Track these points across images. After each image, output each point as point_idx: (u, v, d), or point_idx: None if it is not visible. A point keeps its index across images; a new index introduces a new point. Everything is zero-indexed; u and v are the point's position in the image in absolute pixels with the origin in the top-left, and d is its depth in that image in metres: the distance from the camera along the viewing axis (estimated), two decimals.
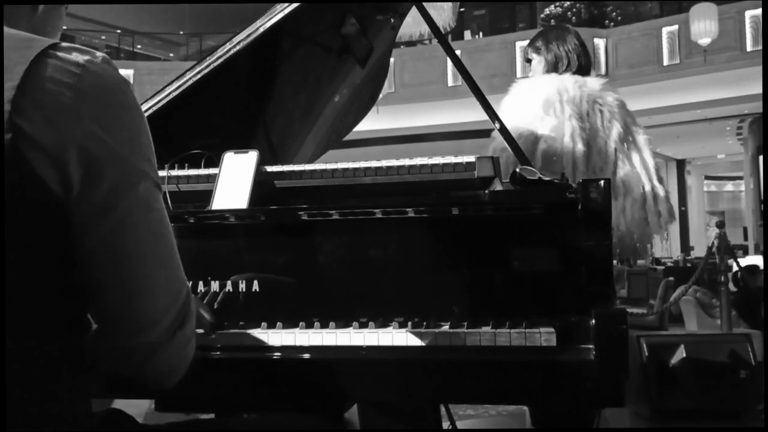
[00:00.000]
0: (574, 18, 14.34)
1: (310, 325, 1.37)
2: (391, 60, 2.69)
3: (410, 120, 13.82)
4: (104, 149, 0.88)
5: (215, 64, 1.76)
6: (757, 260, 8.95)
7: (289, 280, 1.47)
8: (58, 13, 1.06)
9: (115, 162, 0.89)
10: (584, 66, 2.62)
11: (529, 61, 2.73)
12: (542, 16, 14.89)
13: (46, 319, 0.89)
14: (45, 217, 0.86)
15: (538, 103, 2.45)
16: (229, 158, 1.59)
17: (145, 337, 0.93)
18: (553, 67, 2.61)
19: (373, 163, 1.56)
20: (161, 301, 0.94)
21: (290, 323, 1.38)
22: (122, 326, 0.93)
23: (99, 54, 0.92)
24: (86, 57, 0.90)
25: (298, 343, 1.34)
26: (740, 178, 19.35)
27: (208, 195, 1.56)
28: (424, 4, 1.97)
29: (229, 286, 1.46)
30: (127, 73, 14.27)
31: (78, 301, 0.93)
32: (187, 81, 1.75)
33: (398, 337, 1.31)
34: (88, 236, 0.89)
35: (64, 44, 0.91)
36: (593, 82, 2.55)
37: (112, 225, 0.89)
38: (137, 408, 1.12)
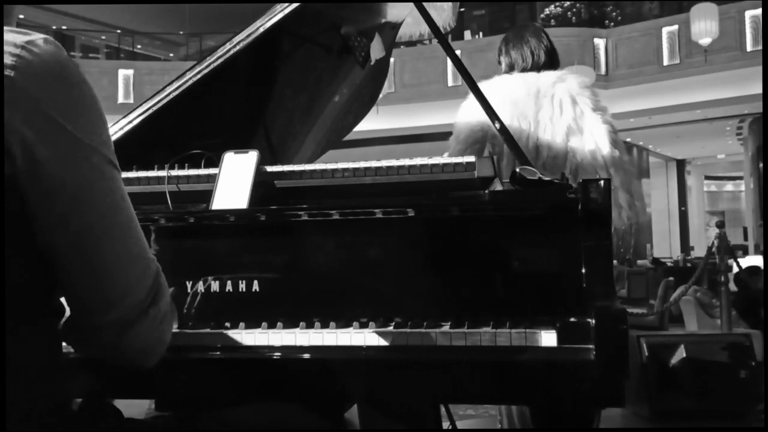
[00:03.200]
0: (574, 18, 14.34)
1: (310, 325, 1.37)
2: (391, 60, 2.69)
3: (410, 120, 13.82)
4: (49, 126, 0.88)
5: (215, 64, 1.76)
6: (757, 260, 8.95)
7: (290, 280, 1.47)
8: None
9: (62, 138, 0.88)
10: (546, 61, 2.61)
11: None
12: (542, 16, 14.89)
13: (12, 306, 0.88)
14: None
15: (503, 107, 2.43)
16: (229, 158, 1.59)
17: (115, 313, 0.92)
18: (509, 69, 2.61)
19: (373, 164, 1.56)
20: (128, 276, 0.93)
21: (291, 323, 1.38)
22: (91, 303, 0.93)
23: (40, 35, 0.91)
24: (26, 38, 0.89)
25: (298, 343, 1.34)
26: (740, 178, 19.38)
27: (208, 195, 1.56)
28: (424, 4, 1.97)
29: (229, 286, 1.46)
30: (127, 73, 14.28)
31: (45, 284, 0.93)
32: (187, 81, 1.75)
33: (398, 337, 1.31)
34: (44, 213, 0.89)
35: (6, 28, 0.90)
36: (546, 77, 2.52)
37: (64, 200, 0.89)
38: (137, 408, 1.12)
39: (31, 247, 0.90)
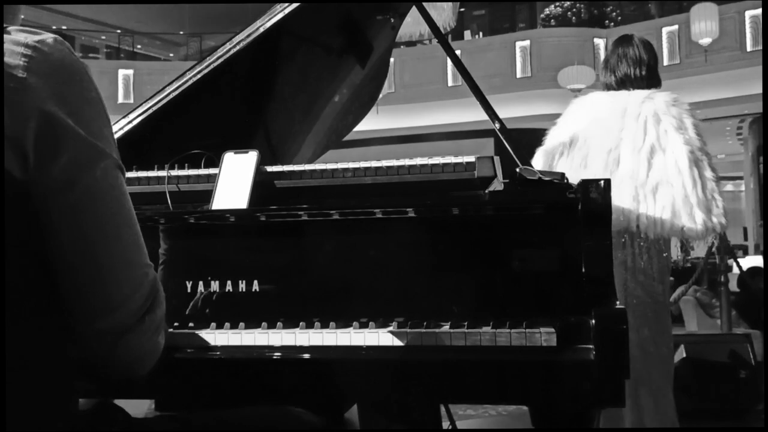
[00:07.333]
0: (574, 18, 14.33)
1: (310, 325, 1.37)
2: (391, 60, 2.69)
3: (410, 120, 13.81)
4: (60, 127, 0.87)
5: (215, 64, 1.76)
6: (757, 260, 8.95)
7: (290, 280, 1.47)
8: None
9: (72, 139, 0.88)
10: (646, 76, 2.70)
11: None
12: (542, 16, 14.87)
13: (14, 309, 0.87)
14: (6, 201, 0.86)
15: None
16: (229, 158, 1.59)
17: (112, 320, 0.92)
18: (613, 87, 2.72)
19: (373, 163, 1.56)
20: (127, 283, 0.93)
21: (291, 323, 1.38)
22: (89, 308, 0.92)
23: (50, 35, 0.91)
24: (36, 38, 0.89)
25: (298, 343, 1.34)
26: (740, 178, 19.34)
27: (208, 195, 1.56)
28: (424, 4, 1.97)
29: (229, 286, 1.46)
30: (127, 73, 14.27)
31: (48, 290, 0.92)
32: (187, 81, 1.75)
33: (399, 337, 1.31)
34: (50, 215, 0.88)
35: (12, 27, 0.90)
36: (635, 96, 2.64)
37: (72, 201, 0.89)
38: (137, 408, 1.12)
39: (37, 248, 0.90)
